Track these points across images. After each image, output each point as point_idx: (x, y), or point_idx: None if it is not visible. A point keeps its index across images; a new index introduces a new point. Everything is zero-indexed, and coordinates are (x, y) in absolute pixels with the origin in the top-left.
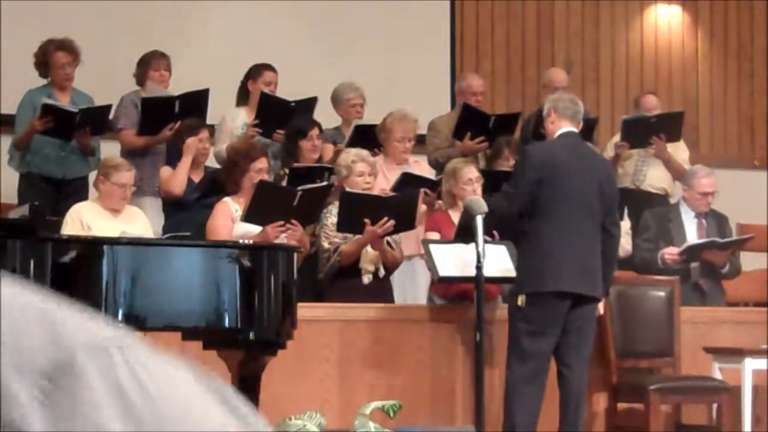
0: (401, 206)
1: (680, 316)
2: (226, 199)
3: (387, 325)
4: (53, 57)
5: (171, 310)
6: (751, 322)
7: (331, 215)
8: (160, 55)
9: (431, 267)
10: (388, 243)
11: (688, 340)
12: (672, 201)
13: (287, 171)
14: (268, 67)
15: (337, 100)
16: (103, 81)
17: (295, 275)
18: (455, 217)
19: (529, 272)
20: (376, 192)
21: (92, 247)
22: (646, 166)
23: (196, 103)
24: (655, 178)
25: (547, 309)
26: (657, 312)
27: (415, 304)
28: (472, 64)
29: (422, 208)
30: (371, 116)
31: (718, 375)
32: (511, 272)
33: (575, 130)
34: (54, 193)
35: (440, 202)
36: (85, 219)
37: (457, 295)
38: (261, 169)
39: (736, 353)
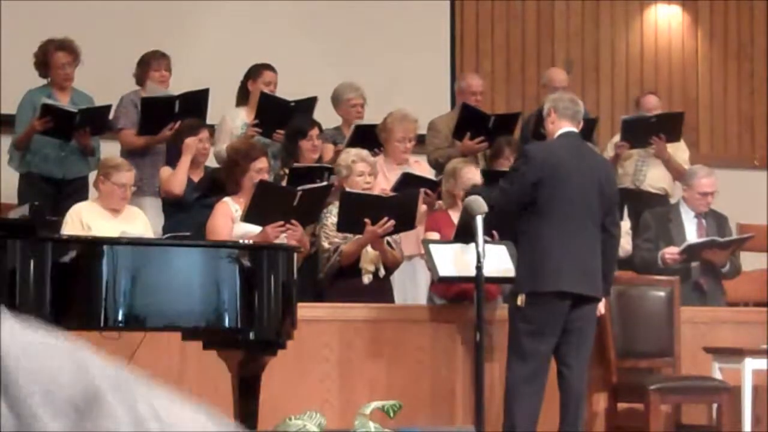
0: (401, 206)
1: (680, 316)
2: (226, 199)
3: (387, 325)
4: (53, 57)
5: (171, 310)
6: (751, 322)
7: (331, 215)
8: (160, 55)
9: (431, 267)
10: (389, 243)
11: (688, 340)
12: (672, 201)
13: (287, 171)
14: (268, 67)
15: (337, 100)
16: (103, 81)
17: (295, 275)
18: (455, 217)
19: (529, 272)
20: (376, 192)
21: (92, 247)
22: (646, 166)
23: (196, 103)
24: (655, 178)
25: (546, 309)
26: (657, 312)
27: (415, 304)
28: (472, 64)
29: (422, 208)
30: (371, 116)
31: (718, 375)
32: (511, 272)
33: (575, 130)
34: (54, 193)
35: (440, 202)
36: (85, 219)
37: (457, 295)
38: (261, 169)
39: (736, 353)
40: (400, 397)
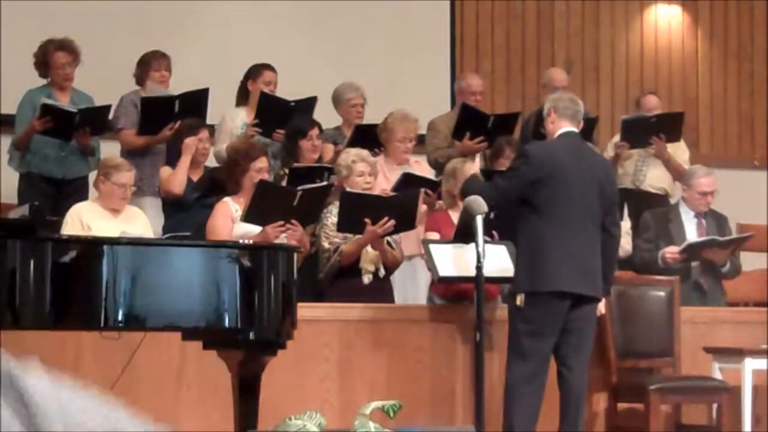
0: (401, 206)
1: (680, 316)
2: (226, 199)
3: (387, 325)
4: (53, 57)
5: (171, 310)
6: (751, 322)
7: (332, 215)
8: (160, 55)
9: (431, 267)
10: (389, 243)
11: (688, 340)
12: (672, 201)
13: (287, 171)
14: (267, 66)
15: (337, 100)
16: (103, 81)
17: (295, 275)
18: (455, 217)
19: (528, 272)
20: (376, 192)
21: (92, 247)
22: (646, 166)
23: (196, 102)
24: (655, 178)
25: (546, 309)
26: (657, 312)
27: (415, 304)
28: (472, 64)
29: (423, 208)
30: (371, 116)
31: (718, 375)
32: (511, 272)
33: (575, 129)
34: (54, 193)
35: (440, 202)
36: (85, 219)
37: (457, 295)
38: (261, 169)
39: (736, 353)
40: (400, 397)
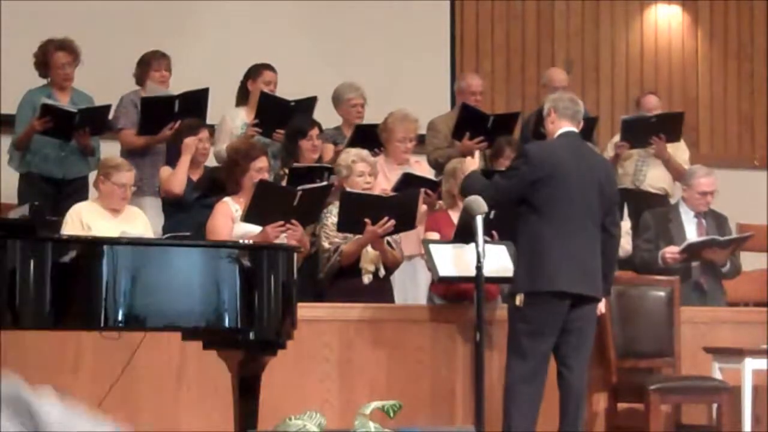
0: (401, 206)
1: (680, 316)
2: (227, 199)
3: (387, 325)
4: (53, 57)
5: (171, 310)
6: (751, 322)
7: (332, 215)
8: (160, 55)
9: (431, 267)
10: (389, 243)
11: (688, 340)
12: (672, 201)
13: (287, 171)
14: (267, 66)
15: (337, 100)
16: (103, 81)
17: (295, 275)
18: (455, 217)
19: (527, 272)
20: (376, 192)
21: (92, 247)
22: (646, 166)
23: (195, 102)
24: (655, 178)
25: (545, 309)
26: (657, 312)
27: (415, 304)
28: (472, 64)
29: (423, 208)
30: (371, 116)
31: (718, 375)
32: (511, 272)
33: (575, 129)
34: (54, 193)
35: (440, 202)
36: (85, 219)
37: (457, 295)
38: (261, 168)
39: (736, 353)
40: (400, 397)
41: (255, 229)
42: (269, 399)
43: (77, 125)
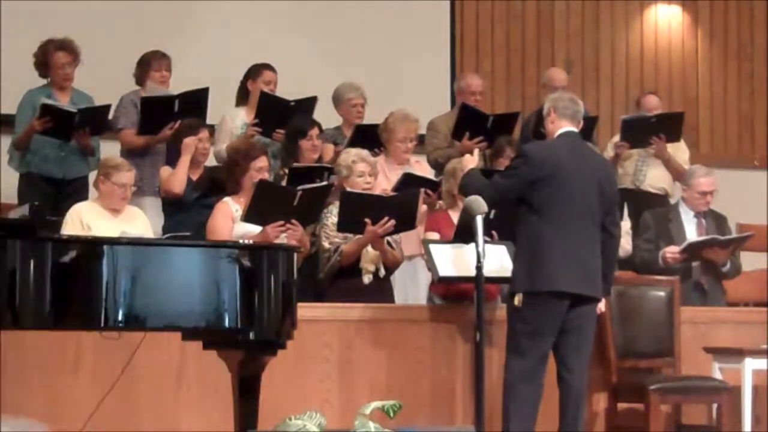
0: (402, 206)
1: (680, 316)
2: (227, 199)
3: (387, 325)
4: (53, 57)
5: (171, 310)
6: (751, 322)
7: (332, 215)
8: (161, 55)
9: (431, 267)
10: (389, 243)
11: (688, 340)
12: (672, 201)
13: (287, 171)
14: (267, 66)
15: (338, 100)
16: (103, 81)
17: (295, 275)
18: (455, 217)
19: (526, 272)
20: (377, 192)
21: (92, 247)
22: (646, 166)
23: (195, 102)
24: (655, 178)
25: (545, 309)
26: (657, 312)
27: (415, 304)
28: (472, 64)
29: (423, 208)
30: (371, 116)
31: (718, 375)
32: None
33: (575, 129)
34: (54, 193)
35: (440, 202)
36: (85, 219)
37: (457, 295)
38: (261, 168)
39: (736, 353)
40: (400, 397)
41: (255, 229)
42: (269, 399)
43: (77, 125)
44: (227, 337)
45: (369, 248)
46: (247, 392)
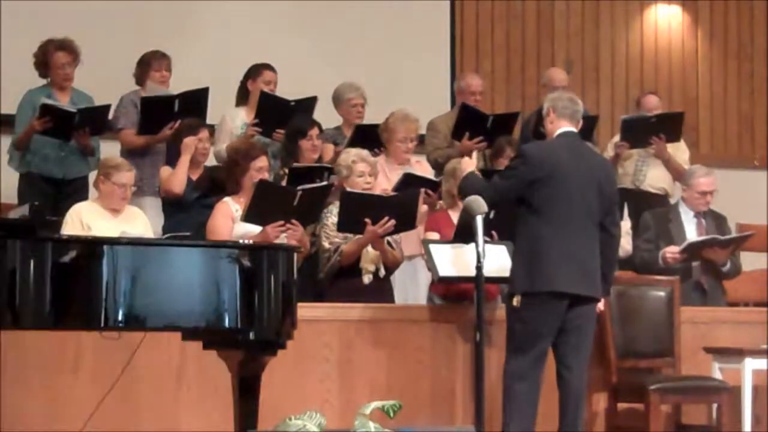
0: (402, 206)
1: (680, 316)
2: (227, 199)
3: (387, 325)
4: (53, 57)
5: (171, 310)
6: (751, 322)
7: (332, 215)
8: (161, 55)
9: (431, 267)
10: (389, 243)
11: (688, 340)
12: (672, 201)
13: (287, 171)
14: (267, 66)
15: (338, 100)
16: (103, 81)
17: (295, 275)
18: (455, 217)
19: (525, 272)
20: (377, 192)
21: (92, 247)
22: (646, 166)
23: (195, 101)
24: (655, 178)
25: (543, 309)
26: (657, 312)
27: (415, 304)
28: (472, 64)
29: (423, 208)
30: (371, 116)
31: (718, 375)
32: None
33: (574, 129)
34: (54, 193)
35: (441, 202)
36: (85, 219)
37: (457, 295)
38: (261, 168)
39: (736, 353)
40: (400, 397)
41: (255, 229)
42: (269, 399)
43: (77, 125)
44: (227, 337)
45: (369, 248)
46: (247, 392)
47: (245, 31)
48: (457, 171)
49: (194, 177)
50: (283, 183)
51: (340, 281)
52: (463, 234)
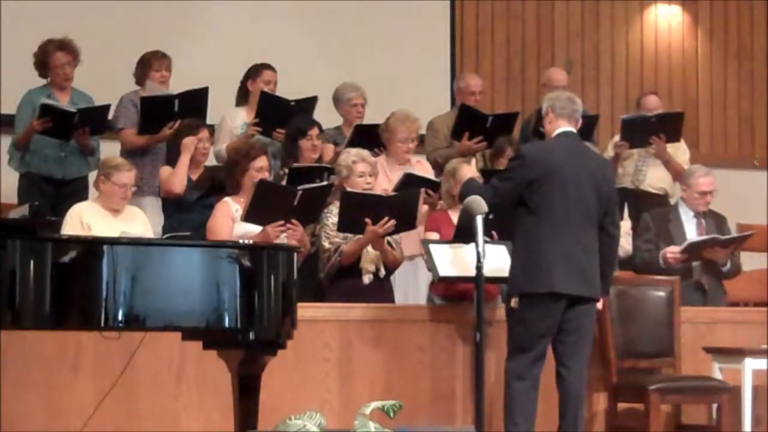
0: (402, 206)
1: (680, 316)
2: (227, 198)
3: (387, 325)
4: (53, 57)
5: (171, 310)
6: (751, 322)
7: (332, 215)
8: (161, 55)
9: (431, 267)
10: (389, 243)
11: (688, 340)
12: (672, 201)
13: (287, 171)
14: (267, 66)
15: (338, 100)
16: (103, 81)
17: (295, 275)
18: (455, 217)
19: (523, 273)
20: (377, 192)
21: (92, 247)
22: (646, 166)
23: (195, 101)
24: (655, 178)
25: (541, 310)
26: (657, 312)
27: (415, 304)
28: (472, 64)
29: (424, 208)
30: (370, 116)
31: (718, 375)
32: None
33: (573, 129)
34: (54, 193)
35: (441, 202)
36: (85, 219)
37: (457, 295)
38: (261, 168)
39: (736, 353)
40: (400, 397)
41: (255, 229)
42: (269, 399)
43: (77, 125)
44: (227, 337)
45: (369, 248)
46: (246, 392)
47: (245, 31)
48: (457, 171)
49: (194, 177)
50: (283, 183)
51: (340, 281)
52: (463, 234)
